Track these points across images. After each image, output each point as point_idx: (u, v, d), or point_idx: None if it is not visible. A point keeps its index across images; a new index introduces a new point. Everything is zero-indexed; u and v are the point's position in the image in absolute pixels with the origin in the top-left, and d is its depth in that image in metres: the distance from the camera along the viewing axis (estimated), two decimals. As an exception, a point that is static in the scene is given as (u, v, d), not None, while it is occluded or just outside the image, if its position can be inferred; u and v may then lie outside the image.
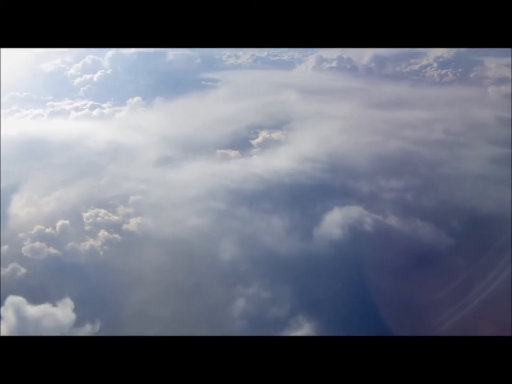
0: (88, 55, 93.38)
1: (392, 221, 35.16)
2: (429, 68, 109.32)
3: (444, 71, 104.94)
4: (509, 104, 70.01)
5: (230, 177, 41.74)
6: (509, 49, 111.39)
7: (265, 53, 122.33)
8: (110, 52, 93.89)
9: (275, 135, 56.83)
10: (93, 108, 70.40)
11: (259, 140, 56.34)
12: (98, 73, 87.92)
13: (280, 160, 46.03)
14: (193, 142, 53.34)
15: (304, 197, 38.43)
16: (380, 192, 39.66)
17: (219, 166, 45.76)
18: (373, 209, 36.08)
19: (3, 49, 72.37)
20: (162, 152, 49.85)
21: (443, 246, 32.12)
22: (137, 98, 72.82)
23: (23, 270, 30.00)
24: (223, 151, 51.38)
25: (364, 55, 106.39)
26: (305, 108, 65.52)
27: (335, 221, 33.87)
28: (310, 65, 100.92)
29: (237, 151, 51.62)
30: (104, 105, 72.08)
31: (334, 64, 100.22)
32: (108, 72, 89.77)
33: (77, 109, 70.10)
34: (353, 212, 35.23)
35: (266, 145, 54.05)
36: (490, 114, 61.59)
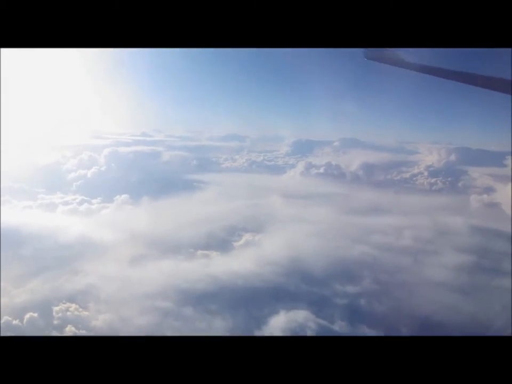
0: (85, 151, 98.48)
1: (337, 326, 34.69)
2: (419, 176, 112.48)
3: (433, 180, 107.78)
4: (486, 212, 71.99)
5: (184, 277, 42.19)
6: (494, 159, 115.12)
7: (261, 158, 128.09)
8: (107, 150, 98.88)
9: (257, 237, 57.63)
10: (81, 202, 72.64)
11: (241, 242, 57.17)
12: (93, 169, 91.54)
13: (239, 262, 46.58)
14: (172, 242, 54.40)
15: (253, 299, 38.12)
16: (333, 297, 39.43)
17: (182, 265, 46.46)
18: (320, 314, 35.78)
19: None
20: (138, 250, 50.82)
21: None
22: (124, 196, 75.23)
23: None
24: (205, 251, 52.03)
25: (353, 163, 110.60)
26: (284, 212, 67.28)
27: (277, 325, 33.59)
28: (299, 170, 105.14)
29: (218, 252, 52.17)
30: (94, 201, 74.25)
31: (321, 170, 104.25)
32: (103, 169, 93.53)
33: (65, 203, 72.28)
34: (299, 316, 34.90)
35: (248, 247, 54.61)
36: (464, 222, 62.65)
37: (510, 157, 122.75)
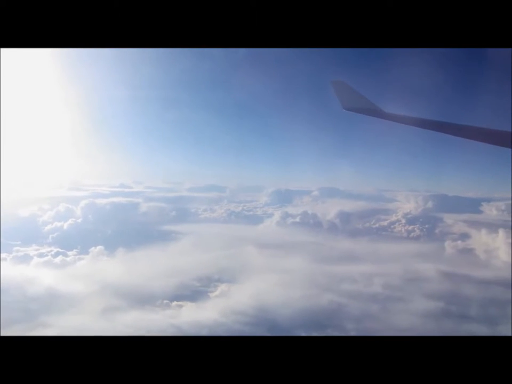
0: (62, 203, 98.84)
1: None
2: (397, 223, 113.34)
3: (411, 227, 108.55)
4: (459, 259, 72.97)
5: (147, 327, 42.00)
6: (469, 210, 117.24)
7: (241, 208, 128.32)
8: (84, 201, 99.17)
9: (232, 288, 57.78)
10: (56, 255, 72.03)
11: (217, 292, 57.25)
12: (69, 221, 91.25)
13: (212, 313, 46.61)
14: (146, 293, 54.28)
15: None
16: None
17: (151, 317, 46.30)
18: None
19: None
20: (110, 302, 50.55)
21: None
22: (99, 248, 75.08)
23: None
24: (179, 303, 52.11)
25: (330, 211, 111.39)
26: (258, 262, 67.59)
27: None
28: (275, 220, 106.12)
29: (193, 303, 52.21)
30: (69, 252, 73.76)
31: (297, 219, 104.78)
32: (79, 220, 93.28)
33: (40, 255, 71.65)
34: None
35: (223, 297, 54.59)
36: (435, 268, 63.25)
37: (485, 203, 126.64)
